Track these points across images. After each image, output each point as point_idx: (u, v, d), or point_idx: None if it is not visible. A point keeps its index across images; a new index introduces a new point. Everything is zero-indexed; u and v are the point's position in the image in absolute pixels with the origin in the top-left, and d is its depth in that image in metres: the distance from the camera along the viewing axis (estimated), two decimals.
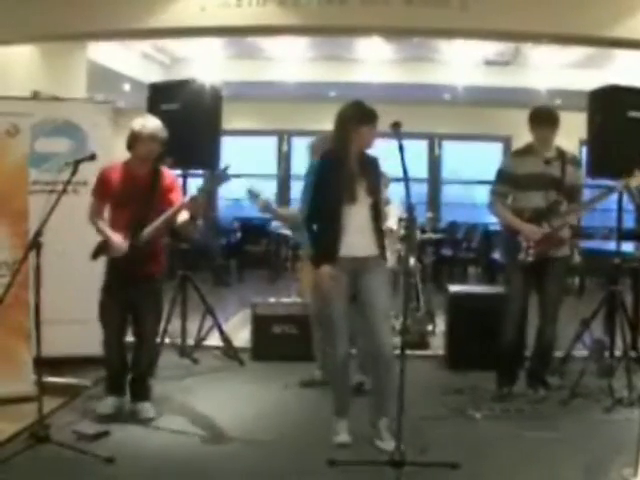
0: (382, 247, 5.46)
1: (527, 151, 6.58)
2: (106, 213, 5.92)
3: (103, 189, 5.81)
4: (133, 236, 5.65)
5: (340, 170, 5.31)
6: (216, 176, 5.82)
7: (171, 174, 6.05)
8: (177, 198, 5.82)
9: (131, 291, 5.77)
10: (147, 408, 5.95)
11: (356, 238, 5.31)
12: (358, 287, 5.39)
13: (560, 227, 6.40)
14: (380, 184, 5.56)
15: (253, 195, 7.11)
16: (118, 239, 5.65)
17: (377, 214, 5.44)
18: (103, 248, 5.75)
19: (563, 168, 6.42)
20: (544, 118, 6.45)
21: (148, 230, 5.65)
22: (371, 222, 5.39)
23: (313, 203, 5.42)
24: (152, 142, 5.76)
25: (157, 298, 6.00)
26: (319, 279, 5.39)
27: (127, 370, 6.00)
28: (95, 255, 5.77)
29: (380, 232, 5.46)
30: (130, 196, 5.70)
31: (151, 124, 5.81)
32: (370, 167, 5.46)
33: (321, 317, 5.62)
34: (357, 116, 5.37)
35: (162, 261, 6.00)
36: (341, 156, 5.37)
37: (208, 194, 5.80)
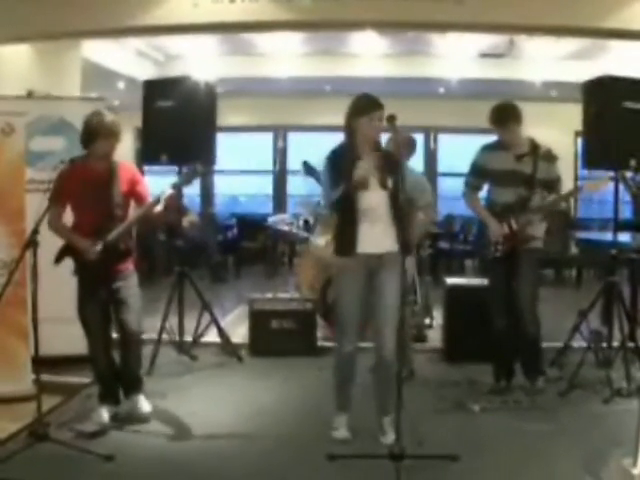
0: (404, 241, 5.30)
1: (498, 146, 6.53)
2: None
3: (62, 191, 5.61)
4: (101, 235, 5.56)
5: (349, 160, 5.24)
6: (187, 173, 5.83)
7: (131, 166, 5.95)
8: (144, 190, 5.80)
9: (107, 290, 5.71)
10: (141, 401, 5.92)
11: (372, 233, 5.23)
12: (372, 285, 5.35)
13: (526, 224, 6.38)
14: (398, 179, 5.33)
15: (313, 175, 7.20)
16: (87, 244, 5.56)
17: (396, 205, 5.31)
18: (67, 251, 5.67)
19: (535, 164, 6.37)
20: (506, 116, 6.37)
21: (119, 229, 5.60)
22: (389, 214, 5.31)
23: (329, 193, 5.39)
24: (112, 137, 5.64)
25: (135, 292, 5.86)
26: (336, 269, 5.47)
27: (117, 377, 5.93)
28: (58, 259, 5.66)
29: (402, 225, 5.33)
30: (91, 195, 5.57)
31: (108, 119, 5.64)
32: (385, 162, 5.35)
33: (335, 313, 5.59)
34: (356, 108, 5.36)
35: (133, 256, 5.90)
36: (349, 149, 5.34)
37: (179, 189, 5.83)
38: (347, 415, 5.56)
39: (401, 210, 5.31)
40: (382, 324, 5.32)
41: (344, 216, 5.36)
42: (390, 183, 5.29)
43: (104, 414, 5.76)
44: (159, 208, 5.71)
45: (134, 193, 5.75)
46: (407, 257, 5.21)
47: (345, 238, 5.34)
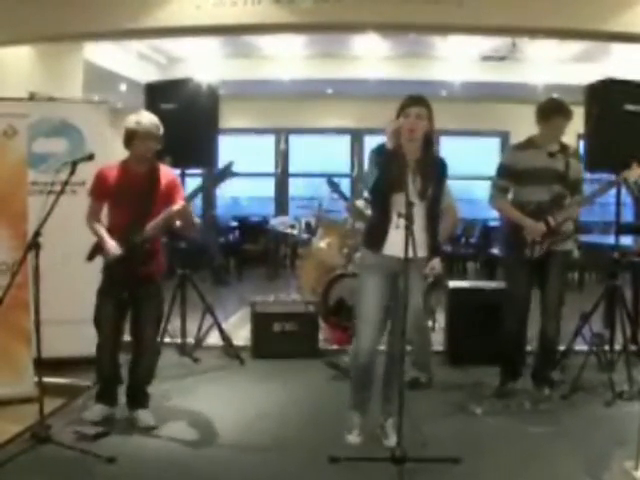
0: (432, 250, 5.30)
1: (529, 145, 6.48)
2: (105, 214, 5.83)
3: (100, 189, 5.70)
4: (131, 235, 5.56)
5: (392, 159, 5.09)
6: (219, 173, 5.77)
7: (171, 172, 5.93)
8: (180, 197, 5.71)
9: (129, 293, 5.68)
10: (145, 416, 5.82)
11: (402, 238, 4.85)
12: (394, 288, 5.26)
13: (564, 220, 6.35)
14: (440, 187, 5.32)
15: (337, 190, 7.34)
16: (112, 243, 5.56)
17: (431, 214, 5.25)
18: (98, 249, 5.67)
19: (567, 162, 6.36)
20: (561, 109, 6.32)
21: (147, 229, 5.56)
22: (423, 222, 5.18)
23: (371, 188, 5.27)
24: (149, 140, 5.65)
25: (157, 302, 5.86)
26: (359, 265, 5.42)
27: (119, 380, 5.89)
28: (91, 256, 5.69)
29: (433, 233, 5.29)
30: (128, 195, 5.59)
31: (146, 120, 5.68)
32: (428, 167, 5.24)
33: (354, 311, 5.50)
34: (398, 110, 5.24)
35: (161, 262, 5.86)
36: (393, 150, 5.15)
37: (212, 189, 5.75)
38: (362, 417, 5.51)
39: (435, 219, 5.31)
40: (400, 327, 5.17)
41: (378, 215, 5.30)
42: (430, 192, 5.19)
43: (96, 413, 5.75)
44: (177, 223, 5.73)
45: (170, 199, 5.67)
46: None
47: (375, 234, 5.27)
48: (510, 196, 6.56)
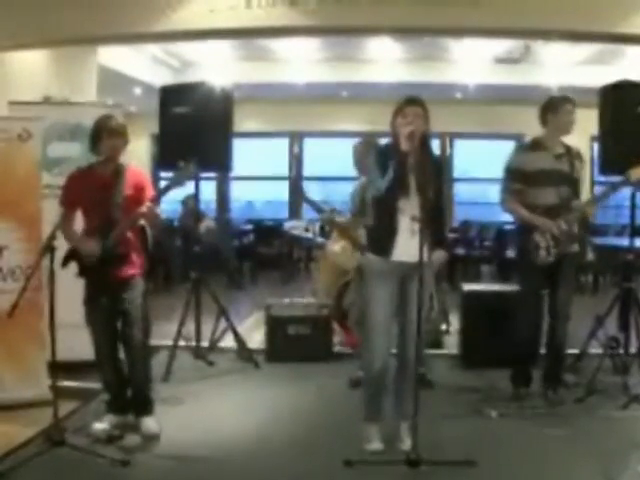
0: (435, 243, 5.22)
1: (535, 147, 6.42)
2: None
3: (69, 196, 5.64)
4: (101, 239, 5.47)
5: (403, 163, 5.05)
6: (178, 175, 5.68)
7: (139, 171, 5.85)
8: (148, 197, 5.58)
9: (112, 298, 5.59)
10: (149, 423, 5.72)
11: (410, 241, 4.98)
12: (402, 292, 5.22)
13: (574, 222, 6.30)
14: (440, 185, 5.27)
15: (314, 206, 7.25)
16: (87, 243, 5.51)
17: (434, 213, 5.10)
18: (72, 255, 5.60)
19: (572, 163, 6.34)
20: (567, 98, 6.33)
21: (115, 233, 5.47)
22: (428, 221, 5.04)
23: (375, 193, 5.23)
24: (114, 137, 5.55)
25: (140, 304, 5.66)
26: (367, 270, 5.34)
27: (124, 383, 5.78)
28: (64, 263, 5.57)
29: (436, 231, 5.20)
30: (96, 198, 5.51)
31: (112, 120, 5.61)
32: (427, 167, 5.15)
33: (363, 318, 5.44)
34: (393, 111, 5.26)
35: (138, 262, 5.71)
36: (394, 151, 5.14)
37: (173, 188, 5.64)
38: (379, 426, 5.44)
39: (438, 218, 5.23)
40: (409, 330, 5.18)
41: (383, 218, 5.21)
42: (431, 192, 5.08)
43: (105, 423, 5.66)
44: (141, 223, 5.68)
45: (139, 199, 5.57)
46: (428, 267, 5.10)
47: (382, 239, 5.19)
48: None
